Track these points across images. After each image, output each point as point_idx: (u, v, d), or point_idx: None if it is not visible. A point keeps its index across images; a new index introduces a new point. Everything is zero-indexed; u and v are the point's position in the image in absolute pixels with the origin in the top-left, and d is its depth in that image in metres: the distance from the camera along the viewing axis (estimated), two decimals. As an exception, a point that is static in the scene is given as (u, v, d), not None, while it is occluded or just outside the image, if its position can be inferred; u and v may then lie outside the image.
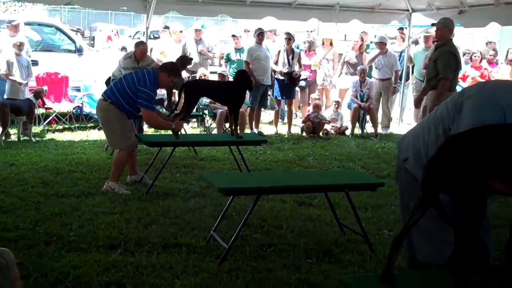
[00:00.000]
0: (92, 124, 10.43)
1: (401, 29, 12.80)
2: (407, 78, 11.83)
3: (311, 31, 12.72)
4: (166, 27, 13.35)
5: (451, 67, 7.54)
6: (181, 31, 11.58)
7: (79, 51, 11.89)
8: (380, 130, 10.99)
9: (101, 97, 6.33)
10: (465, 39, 16.06)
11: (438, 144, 2.63)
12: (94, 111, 10.45)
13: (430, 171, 2.48)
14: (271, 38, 12.59)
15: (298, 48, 11.58)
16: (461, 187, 2.38)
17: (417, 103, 8.44)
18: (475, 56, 11.71)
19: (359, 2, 10.70)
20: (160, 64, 8.03)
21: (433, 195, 2.46)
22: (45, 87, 9.80)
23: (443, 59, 7.52)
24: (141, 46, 8.85)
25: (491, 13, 9.59)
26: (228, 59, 11.71)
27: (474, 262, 2.72)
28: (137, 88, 6.01)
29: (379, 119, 11.14)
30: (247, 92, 8.36)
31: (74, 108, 10.57)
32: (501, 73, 11.42)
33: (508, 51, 11.70)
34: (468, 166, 2.37)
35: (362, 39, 11.94)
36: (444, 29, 7.75)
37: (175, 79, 6.48)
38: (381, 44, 11.13)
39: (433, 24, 8.29)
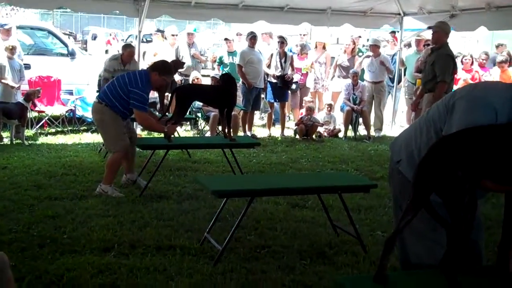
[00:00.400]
0: (85, 127, 10.42)
1: (393, 32, 12.85)
2: (399, 81, 11.88)
3: (304, 35, 12.75)
4: (159, 31, 13.35)
5: (449, 70, 7.53)
6: (173, 35, 11.57)
7: (71, 54, 11.89)
8: (372, 132, 11.03)
9: (96, 100, 6.34)
10: (457, 42, 16.16)
11: (430, 145, 2.66)
12: (86, 114, 10.47)
13: (421, 172, 2.50)
14: (267, 41, 12.61)
15: (290, 51, 11.61)
16: (451, 188, 2.40)
17: (415, 107, 8.42)
18: (465, 59, 11.74)
19: (351, 6, 10.72)
20: None
21: (424, 196, 2.48)
22: (39, 88, 9.78)
23: (441, 62, 7.50)
24: (128, 49, 8.83)
25: (481, 17, 9.65)
26: (221, 63, 11.72)
27: (466, 262, 2.74)
28: (129, 89, 6.00)
29: (372, 122, 11.18)
30: (240, 94, 8.34)
31: (66, 112, 10.56)
32: (492, 76, 11.46)
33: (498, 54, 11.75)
34: (458, 167, 2.40)
35: (354, 42, 12.00)
36: (441, 32, 7.74)
37: (167, 77, 6.42)
38: (375, 47, 11.17)
39: (429, 27, 8.29)
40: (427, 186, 2.47)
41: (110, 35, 26.55)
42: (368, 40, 13.24)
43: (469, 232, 2.43)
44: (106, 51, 22.28)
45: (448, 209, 2.44)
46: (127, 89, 6.01)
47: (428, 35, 11.21)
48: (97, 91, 9.51)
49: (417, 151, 2.97)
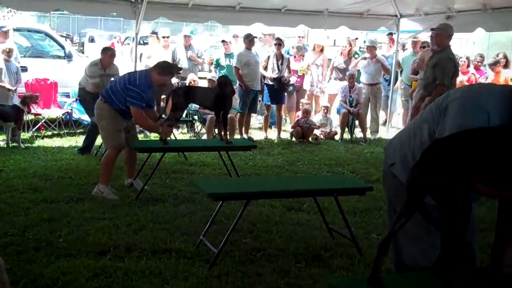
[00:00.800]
0: (81, 130, 10.39)
1: (390, 34, 12.86)
2: (395, 83, 11.89)
3: (302, 37, 12.73)
4: (154, 33, 13.33)
5: (450, 74, 7.41)
6: (165, 37, 11.54)
7: (68, 57, 11.85)
8: (369, 135, 11.05)
9: (99, 98, 6.47)
10: (453, 44, 16.18)
11: (423, 148, 2.66)
12: (83, 117, 10.45)
13: (414, 175, 2.51)
14: (268, 42, 12.54)
15: (288, 53, 11.60)
16: (446, 191, 2.41)
17: (416, 111, 8.32)
18: (461, 61, 11.73)
19: (348, 8, 10.73)
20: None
21: (418, 199, 2.49)
22: (37, 94, 9.77)
23: (442, 65, 7.39)
24: (109, 52, 8.75)
25: (478, 18, 9.66)
26: (218, 65, 11.72)
27: (460, 264, 2.75)
28: (127, 86, 6.11)
29: (368, 124, 11.20)
30: (236, 97, 8.29)
31: (63, 114, 10.53)
32: (489, 79, 11.46)
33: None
34: (452, 170, 2.40)
35: (350, 44, 12.01)
36: (444, 34, 7.62)
37: (167, 77, 6.54)
38: (371, 48, 11.18)
39: (432, 29, 8.21)
40: (421, 189, 2.48)
41: (115, 38, 26.32)
42: (364, 42, 13.25)
43: (463, 235, 2.43)
44: None
45: (442, 212, 2.45)
46: (125, 86, 6.14)
47: (424, 36, 11.25)
48: (77, 99, 9.55)
49: (411, 154, 2.98)
